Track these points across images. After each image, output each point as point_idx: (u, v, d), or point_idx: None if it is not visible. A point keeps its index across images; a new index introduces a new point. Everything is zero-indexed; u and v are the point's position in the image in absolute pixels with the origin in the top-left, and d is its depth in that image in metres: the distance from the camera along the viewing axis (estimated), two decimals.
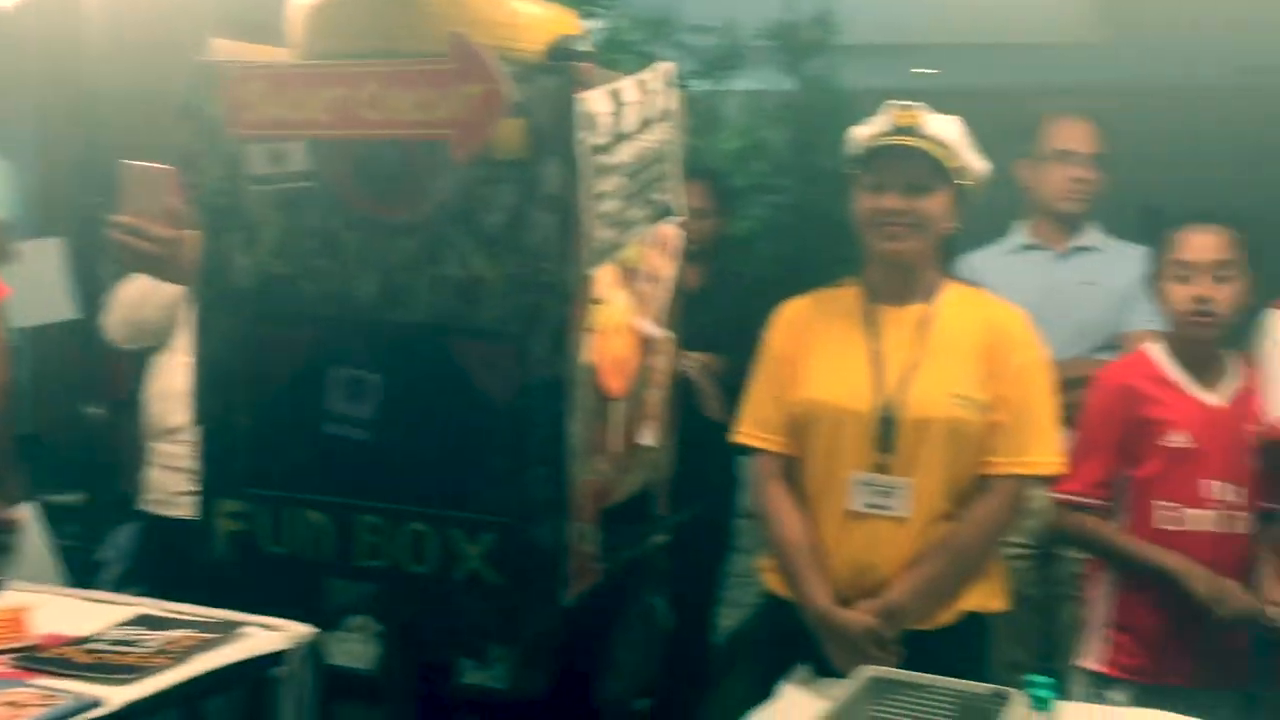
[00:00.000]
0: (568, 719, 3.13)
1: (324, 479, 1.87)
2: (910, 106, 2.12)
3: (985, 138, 2.23)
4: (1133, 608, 2.40)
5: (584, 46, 1.82)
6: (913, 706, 1.84)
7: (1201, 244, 2.37)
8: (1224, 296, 2.36)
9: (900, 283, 2.17)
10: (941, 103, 2.16)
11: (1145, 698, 2.30)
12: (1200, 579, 2.27)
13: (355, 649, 2.44)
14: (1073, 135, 3.05)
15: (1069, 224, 3.10)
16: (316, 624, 1.88)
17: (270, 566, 1.90)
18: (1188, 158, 5.76)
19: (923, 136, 2.09)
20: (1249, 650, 2.36)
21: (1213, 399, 2.41)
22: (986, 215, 2.50)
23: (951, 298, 2.19)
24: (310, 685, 1.84)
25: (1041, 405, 2.15)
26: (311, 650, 1.86)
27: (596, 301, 1.89)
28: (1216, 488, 2.35)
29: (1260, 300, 2.43)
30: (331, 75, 1.79)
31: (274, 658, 1.82)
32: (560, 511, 1.84)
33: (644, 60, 2.44)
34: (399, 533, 1.84)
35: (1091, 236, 3.11)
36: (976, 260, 3.13)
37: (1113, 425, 2.42)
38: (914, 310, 2.16)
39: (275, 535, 1.90)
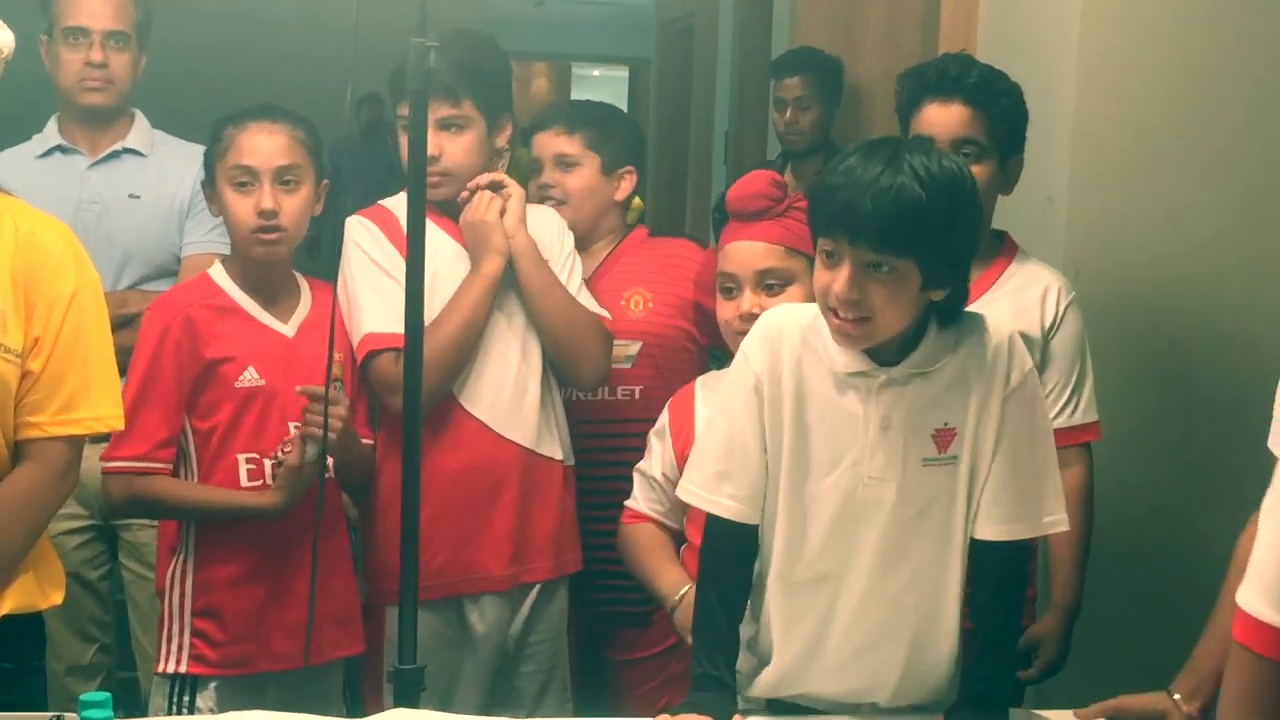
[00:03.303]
0: None
1: None
2: None
3: None
4: (215, 590, 2.19)
5: None
6: None
7: (266, 146, 2.18)
8: (290, 207, 2.19)
9: None
10: None
11: (238, 695, 2.17)
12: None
13: None
14: (86, 8, 2.64)
15: (101, 120, 2.70)
16: None
17: None
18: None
19: None
20: (357, 616, 2.31)
21: (286, 327, 2.24)
22: None
23: None
24: None
25: (93, 348, 1.88)
26: None
27: None
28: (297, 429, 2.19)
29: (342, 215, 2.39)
30: None
31: None
32: None
33: None
34: None
35: (137, 137, 2.73)
36: (3, 162, 2.69)
37: (173, 370, 2.16)
38: None
39: None
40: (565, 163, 2.53)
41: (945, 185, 1.68)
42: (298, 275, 2.30)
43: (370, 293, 2.25)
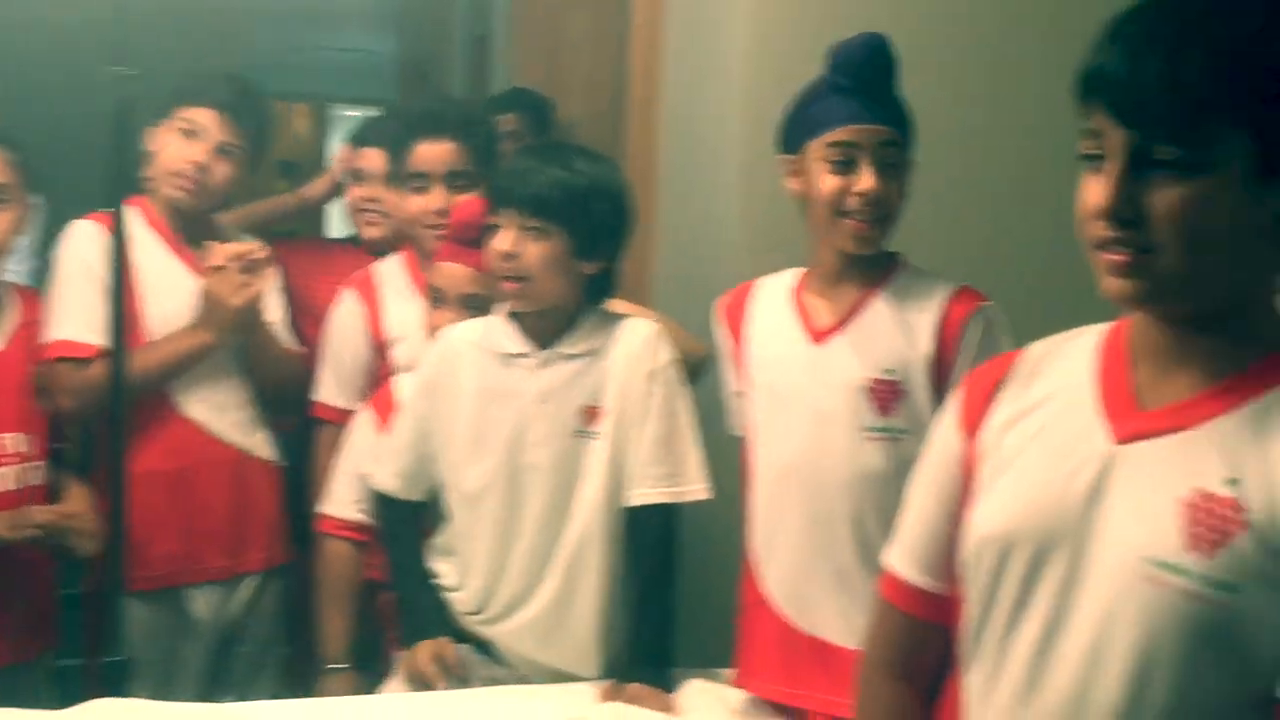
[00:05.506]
0: None
1: None
2: None
3: None
4: None
5: None
6: None
7: None
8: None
9: None
10: None
11: None
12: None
13: None
14: None
15: None
16: None
17: None
18: None
19: None
20: (55, 611, 2.41)
21: None
22: None
23: None
24: None
25: None
26: None
27: None
28: (10, 441, 2.26)
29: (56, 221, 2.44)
30: None
31: None
32: None
33: None
34: None
35: None
36: None
37: None
38: None
39: None
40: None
41: (593, 168, 2.03)
42: (6, 286, 2.33)
43: (73, 299, 2.31)
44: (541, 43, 4.10)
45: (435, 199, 2.44)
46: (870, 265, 1.94)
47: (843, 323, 1.92)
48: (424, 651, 2.04)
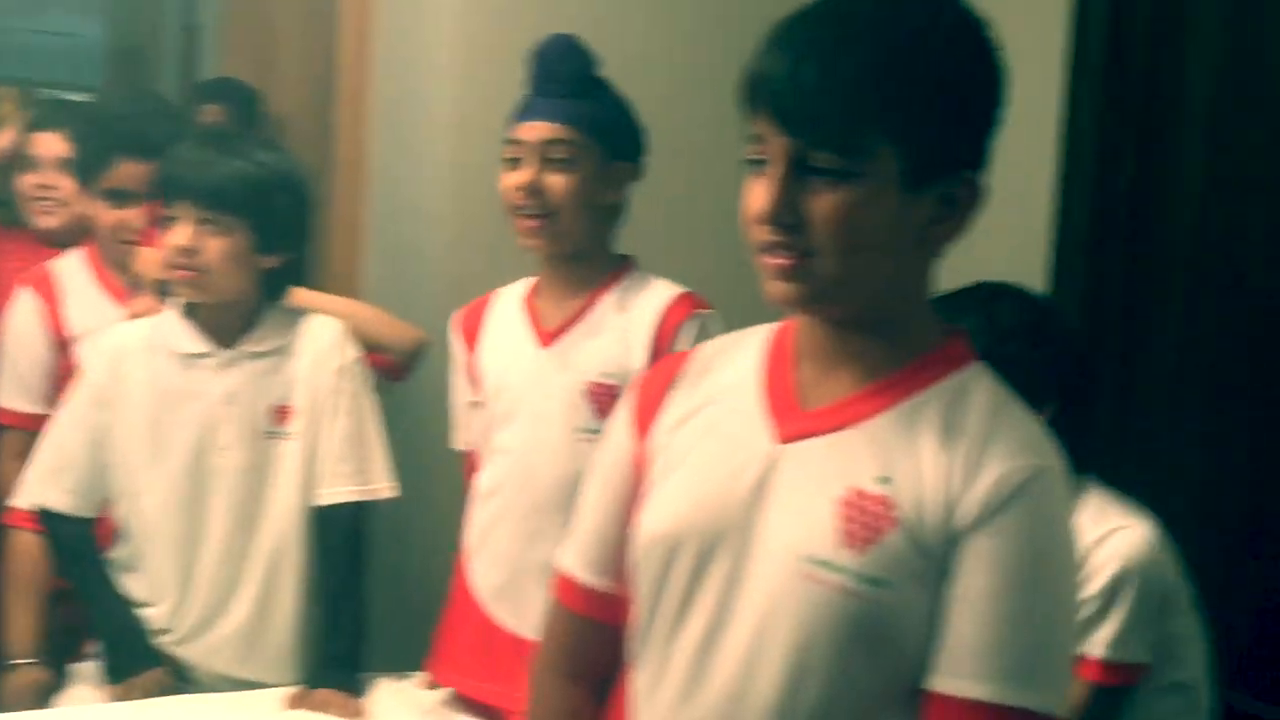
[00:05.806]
0: None
1: None
2: None
3: None
4: None
5: None
6: None
7: None
8: None
9: None
10: None
11: None
12: None
13: None
14: None
15: None
16: None
17: None
18: None
19: None
20: None
21: None
22: None
23: None
24: None
25: None
26: None
27: None
28: None
29: None
30: None
31: None
32: None
33: None
34: None
35: None
36: None
37: None
38: None
39: None
40: None
41: (272, 158, 1.97)
42: None
43: None
44: (252, 33, 4.00)
45: (136, 216, 2.35)
46: (598, 268, 1.96)
47: (569, 325, 1.94)
48: (141, 687, 1.96)
